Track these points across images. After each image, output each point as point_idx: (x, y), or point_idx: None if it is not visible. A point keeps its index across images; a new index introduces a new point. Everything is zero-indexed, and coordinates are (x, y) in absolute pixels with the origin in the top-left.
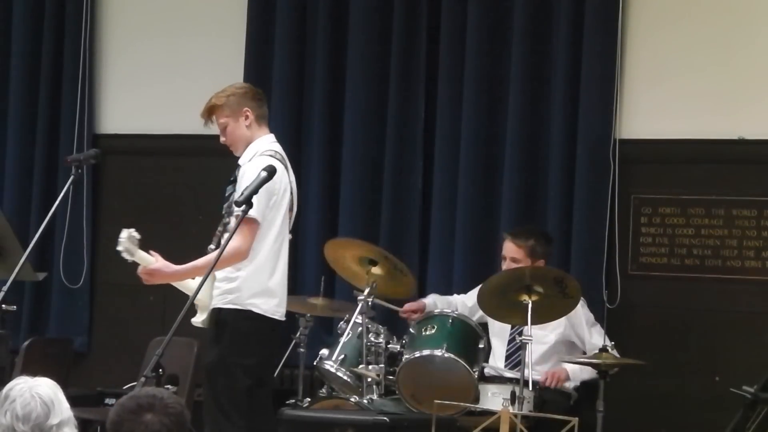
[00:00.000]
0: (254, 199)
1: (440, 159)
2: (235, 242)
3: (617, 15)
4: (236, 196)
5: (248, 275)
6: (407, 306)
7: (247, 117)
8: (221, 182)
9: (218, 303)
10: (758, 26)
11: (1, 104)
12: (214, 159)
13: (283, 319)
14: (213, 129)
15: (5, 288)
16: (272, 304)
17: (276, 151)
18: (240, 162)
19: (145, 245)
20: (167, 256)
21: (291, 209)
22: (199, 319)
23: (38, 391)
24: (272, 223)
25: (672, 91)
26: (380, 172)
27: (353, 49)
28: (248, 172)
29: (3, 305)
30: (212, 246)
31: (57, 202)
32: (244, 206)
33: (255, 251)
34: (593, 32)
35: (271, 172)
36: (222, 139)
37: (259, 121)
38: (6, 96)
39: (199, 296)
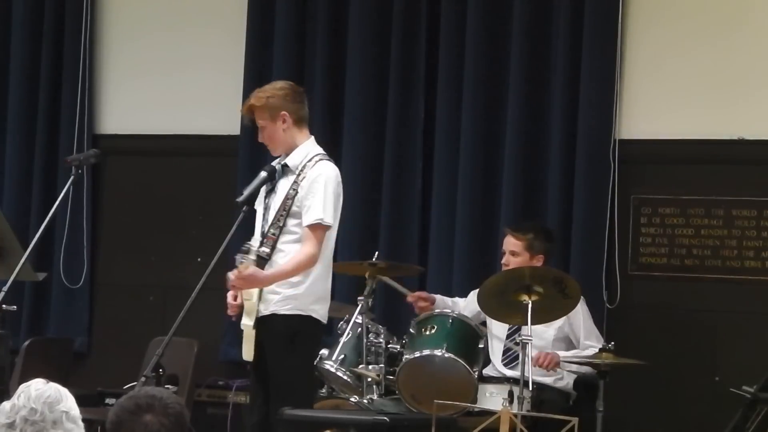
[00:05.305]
0: (325, 203)
1: (440, 159)
2: (311, 248)
3: (617, 15)
4: (303, 197)
5: (313, 281)
6: (418, 293)
7: (284, 120)
8: (221, 182)
9: (280, 309)
10: (758, 26)
11: (1, 105)
12: (214, 159)
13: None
14: (212, 129)
15: (5, 288)
16: (326, 308)
17: (326, 155)
18: (289, 164)
19: (145, 246)
20: (167, 257)
21: None
22: (249, 323)
23: (52, 384)
24: (334, 227)
25: (672, 91)
26: (380, 172)
27: (353, 49)
28: (318, 183)
29: (3, 305)
30: (265, 249)
31: (57, 203)
32: (246, 206)
33: (321, 256)
34: (593, 32)
35: (270, 172)
36: (259, 137)
37: (299, 123)
38: (5, 96)
39: (248, 300)
